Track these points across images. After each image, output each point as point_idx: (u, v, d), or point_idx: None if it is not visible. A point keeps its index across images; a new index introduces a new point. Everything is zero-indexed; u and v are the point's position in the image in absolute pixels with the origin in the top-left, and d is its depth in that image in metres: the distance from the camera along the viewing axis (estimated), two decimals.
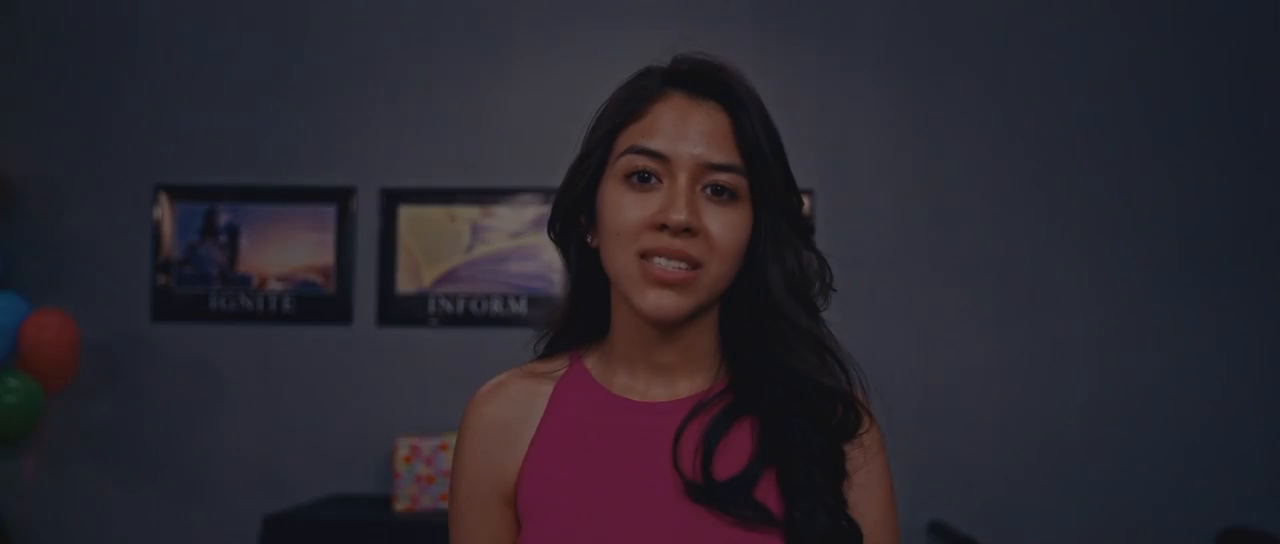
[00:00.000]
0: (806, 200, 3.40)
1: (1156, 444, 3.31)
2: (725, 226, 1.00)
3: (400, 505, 3.07)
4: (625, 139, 1.03)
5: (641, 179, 1.01)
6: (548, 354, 1.15)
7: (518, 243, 3.45)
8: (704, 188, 1.01)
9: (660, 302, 0.99)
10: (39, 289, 3.47)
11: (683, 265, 0.99)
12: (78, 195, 3.54)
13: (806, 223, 1.07)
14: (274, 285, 3.49)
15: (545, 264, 3.43)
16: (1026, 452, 3.33)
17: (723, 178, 1.01)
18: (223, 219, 3.51)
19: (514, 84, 3.50)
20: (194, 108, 3.55)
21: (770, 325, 1.04)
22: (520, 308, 3.43)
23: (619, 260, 1.01)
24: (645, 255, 0.99)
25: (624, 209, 1.01)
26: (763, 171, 1.02)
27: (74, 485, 3.48)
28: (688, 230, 0.98)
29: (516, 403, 1.10)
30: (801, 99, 3.39)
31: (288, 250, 3.49)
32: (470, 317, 3.44)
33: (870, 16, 3.46)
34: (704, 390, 1.06)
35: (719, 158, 1.01)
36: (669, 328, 1.04)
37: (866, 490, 1.04)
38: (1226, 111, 3.39)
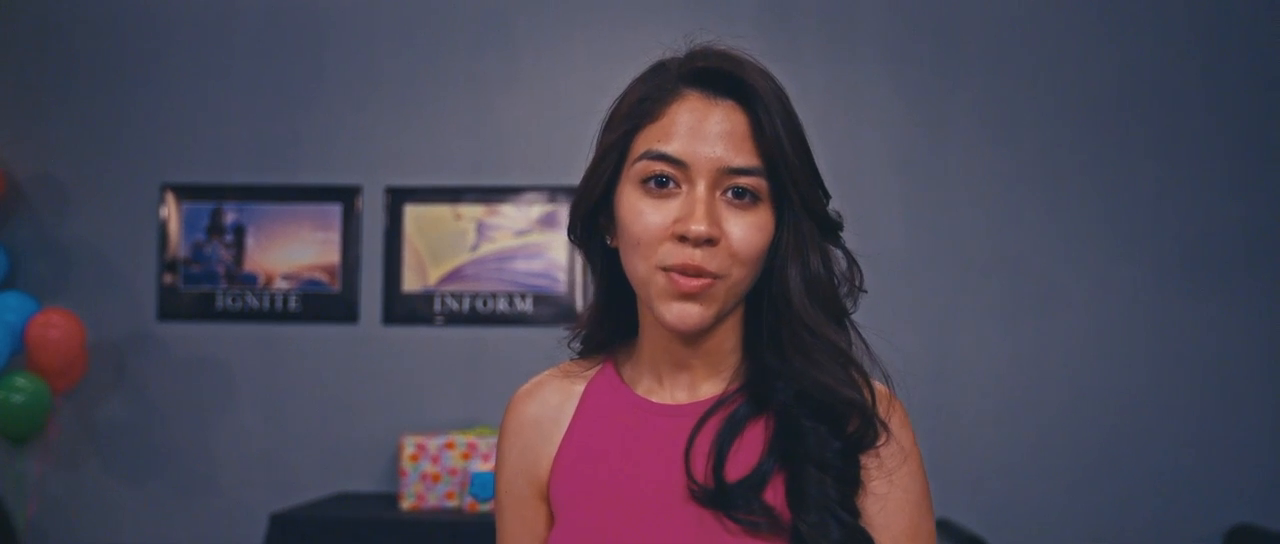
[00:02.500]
0: None
1: (1164, 442, 3.31)
2: (747, 230, 0.97)
3: (406, 503, 3.07)
4: (641, 142, 1.00)
5: (659, 184, 0.97)
6: (586, 353, 1.14)
7: (523, 241, 3.45)
8: (724, 192, 0.98)
9: (683, 313, 0.97)
10: (45, 289, 3.49)
11: (705, 276, 0.97)
12: (84, 195, 3.55)
13: (833, 221, 1.04)
14: (280, 284, 3.49)
15: (551, 262, 3.44)
16: (1035, 449, 3.33)
17: (743, 181, 0.97)
18: (229, 218, 3.51)
19: (519, 82, 3.51)
20: (200, 107, 3.56)
21: (788, 330, 1.01)
22: (526, 306, 3.43)
23: (639, 270, 0.99)
24: (666, 269, 0.97)
25: (642, 216, 0.98)
26: (785, 172, 0.99)
27: (81, 484, 3.49)
28: (709, 241, 0.95)
29: (550, 402, 1.11)
30: (807, 98, 3.36)
31: (293, 249, 3.50)
32: (476, 315, 3.44)
33: (875, 16, 3.46)
34: (723, 392, 1.05)
35: (739, 161, 0.97)
36: (695, 334, 1.02)
37: (887, 500, 1.00)
38: (1233, 112, 3.38)
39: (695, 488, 0.98)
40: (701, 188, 0.96)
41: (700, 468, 0.99)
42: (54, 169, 3.56)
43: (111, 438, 3.51)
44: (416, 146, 3.51)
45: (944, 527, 3.20)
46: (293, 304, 3.49)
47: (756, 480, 0.97)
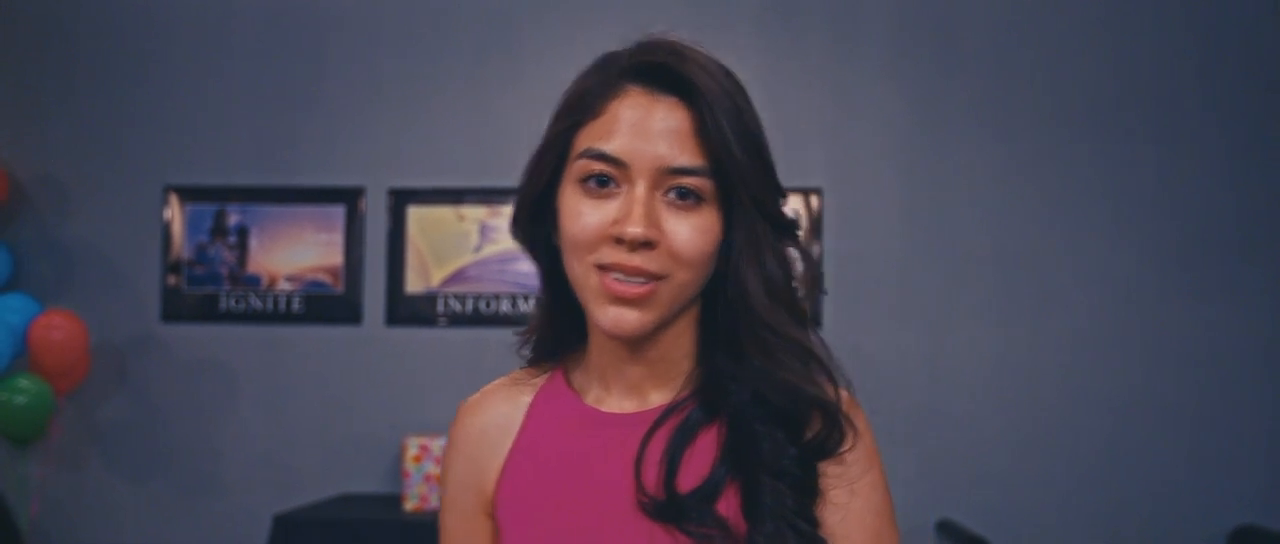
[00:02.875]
0: (815, 199, 3.40)
1: (1167, 441, 3.30)
2: (691, 231, 0.93)
3: (409, 504, 3.07)
4: (582, 139, 0.96)
5: (599, 183, 0.94)
6: (536, 360, 1.09)
7: None
8: (666, 192, 0.93)
9: (620, 319, 0.93)
10: (48, 290, 3.49)
11: (644, 279, 0.92)
12: (87, 196, 3.55)
13: (789, 222, 0.98)
14: (283, 285, 3.49)
15: None
16: (1035, 449, 3.33)
17: (686, 181, 0.93)
18: (232, 220, 3.52)
19: (522, 83, 3.51)
20: (203, 109, 3.56)
21: (748, 331, 0.95)
22: (529, 307, 3.43)
23: (577, 271, 0.95)
24: (603, 268, 0.93)
25: (580, 217, 0.94)
26: (731, 171, 0.93)
27: (84, 485, 3.49)
28: (646, 244, 0.91)
29: (498, 413, 1.06)
30: (809, 98, 3.39)
31: (297, 251, 3.50)
32: (479, 316, 3.45)
33: (877, 15, 3.46)
34: (674, 400, 1.00)
35: (682, 160, 0.92)
36: (636, 340, 0.97)
37: (848, 510, 0.95)
38: (1233, 107, 3.38)
39: (645, 500, 0.93)
40: (641, 188, 0.92)
41: (651, 479, 0.94)
42: (57, 170, 3.56)
43: (114, 439, 3.51)
44: (419, 148, 3.51)
45: (946, 527, 3.20)
46: (296, 305, 3.49)
47: (709, 490, 0.93)
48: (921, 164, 3.42)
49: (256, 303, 3.50)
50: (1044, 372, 3.35)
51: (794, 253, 0.99)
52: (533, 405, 1.05)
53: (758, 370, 0.95)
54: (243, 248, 3.51)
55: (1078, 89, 3.41)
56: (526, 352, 1.09)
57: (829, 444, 0.94)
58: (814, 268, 1.02)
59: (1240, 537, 3.21)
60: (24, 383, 3.24)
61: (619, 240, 0.91)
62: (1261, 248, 3.35)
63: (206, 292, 3.51)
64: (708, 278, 0.97)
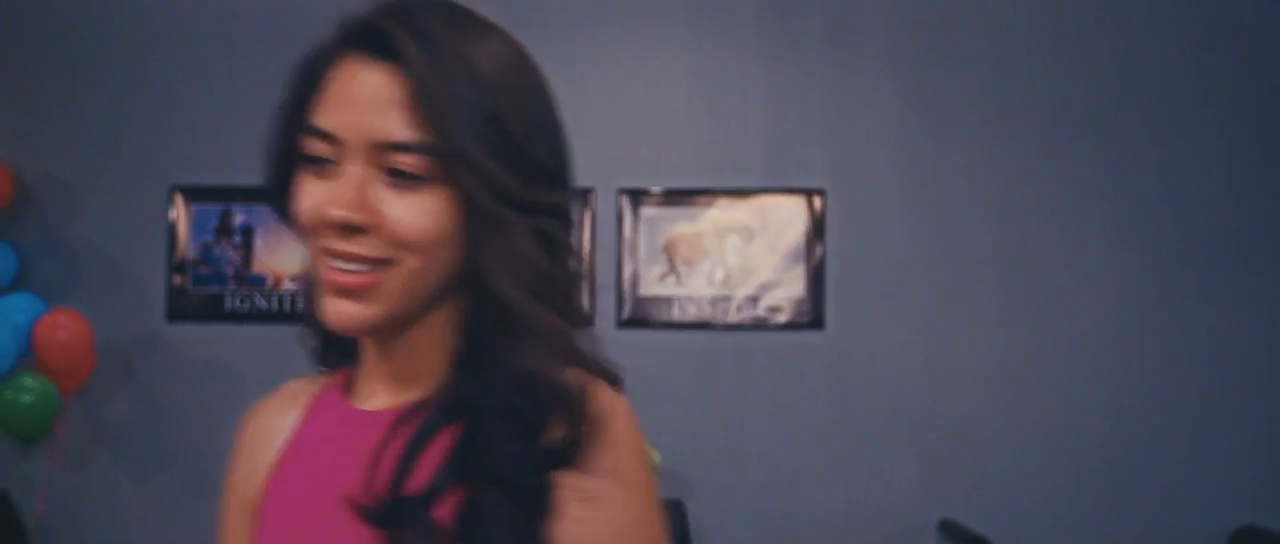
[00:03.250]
0: (816, 200, 3.40)
1: (1168, 442, 3.31)
2: (413, 213, 0.82)
3: None
4: (307, 113, 0.88)
5: (320, 161, 0.85)
6: (322, 358, 1.00)
7: None
8: (386, 170, 0.83)
9: (340, 312, 0.84)
10: (54, 289, 3.50)
11: (364, 267, 0.83)
12: (93, 196, 3.57)
13: (545, 203, 0.87)
14: (288, 285, 3.51)
15: None
16: (1037, 449, 3.34)
17: (400, 158, 0.82)
18: (237, 219, 3.53)
19: None
20: (209, 108, 3.57)
21: (495, 320, 0.85)
22: None
23: (310, 257, 0.87)
24: (328, 254, 0.84)
25: (299, 197, 0.86)
26: (455, 147, 0.81)
27: (89, 484, 3.51)
28: (359, 228, 0.82)
29: (279, 414, 1.01)
30: (809, 98, 3.40)
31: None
32: None
33: (877, 15, 3.47)
34: (421, 398, 0.90)
35: (397, 135, 0.82)
36: (378, 334, 0.89)
37: (585, 525, 0.82)
38: (1234, 108, 3.39)
39: (365, 503, 0.84)
40: (355, 166, 0.83)
41: (382, 481, 0.85)
42: (62, 170, 3.58)
43: (119, 438, 3.52)
44: None
45: (948, 527, 3.21)
46: (301, 305, 3.50)
47: (428, 496, 0.83)
48: (922, 164, 3.43)
49: (261, 302, 3.51)
50: (1044, 372, 3.36)
51: (560, 238, 0.89)
52: (309, 406, 0.99)
53: (500, 361, 0.85)
54: (248, 248, 3.53)
55: (1078, 89, 3.42)
56: (313, 350, 1.00)
57: (570, 450, 0.83)
58: (575, 257, 0.91)
59: (1240, 537, 3.22)
60: (29, 382, 3.25)
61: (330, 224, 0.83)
62: (1262, 248, 3.35)
63: (212, 291, 3.53)
64: (456, 265, 0.86)
